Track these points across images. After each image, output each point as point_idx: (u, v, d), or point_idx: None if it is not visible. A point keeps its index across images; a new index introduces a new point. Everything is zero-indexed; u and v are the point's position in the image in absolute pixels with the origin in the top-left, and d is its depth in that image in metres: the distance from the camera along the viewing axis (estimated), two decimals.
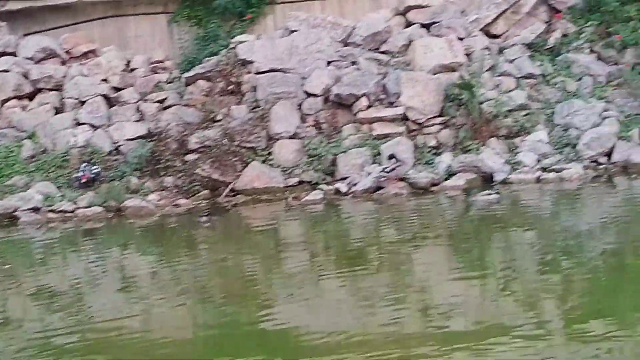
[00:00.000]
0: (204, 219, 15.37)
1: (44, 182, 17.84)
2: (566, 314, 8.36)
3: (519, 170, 16.80)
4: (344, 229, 14.51)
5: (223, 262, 12.51)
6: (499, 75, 18.85)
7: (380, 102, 18.36)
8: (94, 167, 17.97)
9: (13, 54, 21.11)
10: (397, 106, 18.07)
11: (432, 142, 17.78)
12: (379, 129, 17.88)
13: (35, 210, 16.84)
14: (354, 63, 19.29)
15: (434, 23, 20.05)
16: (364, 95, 18.10)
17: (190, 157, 17.94)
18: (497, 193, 15.25)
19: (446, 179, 16.82)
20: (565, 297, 8.95)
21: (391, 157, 16.72)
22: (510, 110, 17.90)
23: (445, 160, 17.19)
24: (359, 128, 18.02)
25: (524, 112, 17.96)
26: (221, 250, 13.35)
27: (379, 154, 17.33)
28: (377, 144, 17.49)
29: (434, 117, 18.02)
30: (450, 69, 18.69)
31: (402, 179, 16.71)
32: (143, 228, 15.80)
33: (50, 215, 16.81)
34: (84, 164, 18.06)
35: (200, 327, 9.59)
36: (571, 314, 8.39)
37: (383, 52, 19.80)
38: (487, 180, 16.74)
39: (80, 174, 17.84)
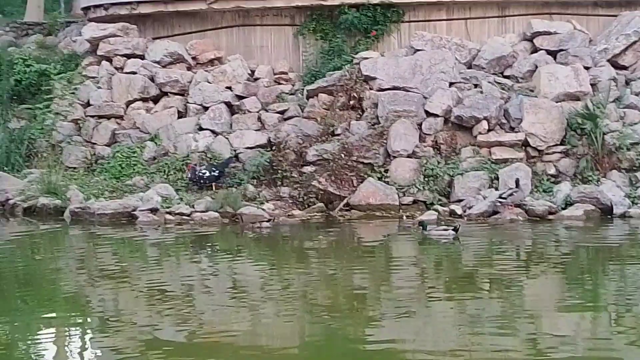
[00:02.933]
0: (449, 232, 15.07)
1: (163, 184, 18.16)
2: None
3: (639, 205, 16.51)
4: (457, 252, 14.42)
5: (333, 276, 12.55)
6: (624, 107, 18.54)
7: (501, 127, 18.22)
8: (214, 170, 18.21)
9: (141, 57, 21.55)
10: (518, 132, 17.90)
11: (552, 171, 17.58)
12: (498, 153, 17.74)
13: (154, 211, 17.11)
14: (476, 86, 19.19)
15: (560, 50, 19.83)
16: (485, 118, 17.97)
17: (308, 169, 18.05)
18: (455, 230, 14.86)
19: (564, 209, 16.60)
20: None
21: (517, 182, 16.51)
22: (633, 144, 17.59)
23: (564, 189, 16.97)
24: (477, 151, 17.90)
25: None
26: (332, 263, 13.38)
27: (496, 178, 17.19)
28: (496, 168, 17.35)
29: (555, 145, 17.81)
30: (575, 97, 18.46)
31: (518, 206, 16.54)
32: (256, 236, 15.93)
33: (168, 217, 17.07)
34: (204, 167, 18.34)
35: (307, 339, 9.64)
36: None
37: (507, 77, 19.67)
38: (605, 212, 16.48)
39: (206, 173, 18.11)
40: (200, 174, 18.16)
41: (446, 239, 14.72)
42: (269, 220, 16.82)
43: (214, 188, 18.05)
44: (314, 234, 15.83)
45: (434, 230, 15.12)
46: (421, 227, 15.17)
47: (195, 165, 18.53)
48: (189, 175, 18.36)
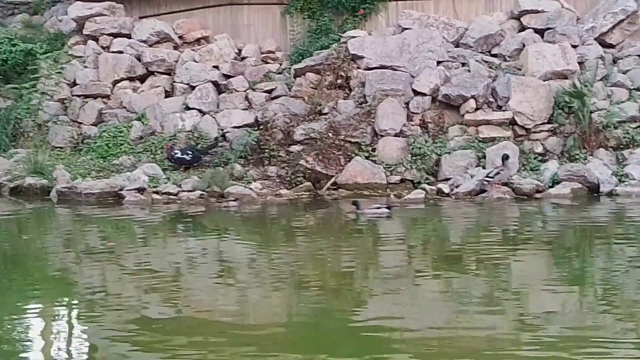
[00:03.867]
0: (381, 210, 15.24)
1: (150, 163, 18.13)
2: None
3: (626, 183, 16.53)
4: (444, 230, 14.44)
5: (320, 255, 12.54)
6: (612, 86, 18.57)
7: (489, 105, 18.23)
8: (188, 152, 18.17)
9: (128, 36, 21.50)
10: (505, 110, 17.91)
11: (539, 149, 17.60)
12: (486, 132, 17.76)
13: (141, 190, 17.09)
14: (464, 64, 19.19)
15: (548, 29, 19.84)
16: (472, 97, 17.98)
17: (295, 148, 18.04)
18: (388, 208, 15.03)
19: (551, 187, 16.62)
20: None
21: (505, 157, 16.54)
22: (620, 122, 17.63)
23: (551, 167, 16.99)
24: (465, 130, 17.92)
25: (635, 125, 17.66)
26: (319, 242, 13.38)
27: (484, 157, 17.21)
28: (483, 147, 17.38)
29: (543, 123, 17.84)
30: (562, 76, 18.46)
31: (505, 184, 16.56)
32: (244, 215, 15.92)
33: (155, 196, 17.05)
34: (180, 148, 18.33)
35: (294, 316, 9.64)
36: None
37: (494, 55, 19.68)
38: (592, 190, 16.53)
39: (179, 154, 18.09)
40: (172, 154, 18.15)
41: (379, 216, 14.82)
42: (235, 200, 16.77)
43: (186, 170, 18.00)
44: (301, 213, 15.81)
45: (367, 209, 15.18)
46: (355, 207, 15.24)
47: (173, 145, 18.51)
48: (166, 155, 18.37)
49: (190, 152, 18.23)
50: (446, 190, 16.78)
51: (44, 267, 12.23)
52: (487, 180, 16.49)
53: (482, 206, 15.84)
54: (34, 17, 25.92)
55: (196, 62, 20.79)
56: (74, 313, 10.02)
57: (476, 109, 18.06)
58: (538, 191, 16.55)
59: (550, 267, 11.58)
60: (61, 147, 19.72)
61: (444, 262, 11.74)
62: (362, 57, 19.26)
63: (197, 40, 21.91)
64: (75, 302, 10.47)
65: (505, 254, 12.12)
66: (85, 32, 21.79)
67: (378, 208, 15.17)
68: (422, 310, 9.30)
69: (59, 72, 20.89)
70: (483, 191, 16.57)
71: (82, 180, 17.60)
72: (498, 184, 16.48)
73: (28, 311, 10.05)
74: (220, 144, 18.65)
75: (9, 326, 9.43)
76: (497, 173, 16.49)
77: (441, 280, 10.80)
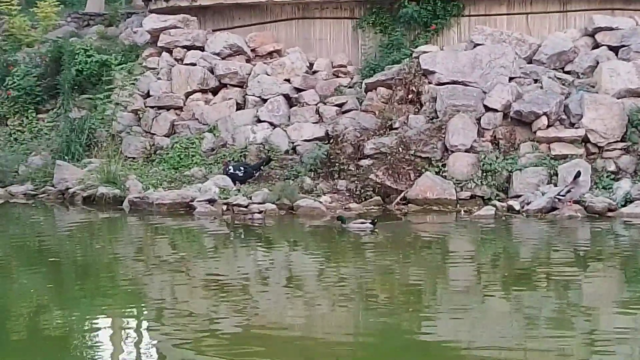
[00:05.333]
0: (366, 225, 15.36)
1: (221, 175, 18.23)
2: None
3: None
4: (514, 247, 14.35)
5: (388, 270, 12.53)
6: None
7: (561, 123, 18.06)
8: (240, 169, 18.25)
9: (201, 49, 21.68)
10: (578, 127, 17.73)
11: (612, 167, 17.38)
12: (558, 149, 17.59)
13: (211, 202, 17.19)
14: (536, 81, 19.04)
15: (622, 46, 19.59)
16: (544, 114, 17.82)
17: (365, 162, 18.03)
18: (372, 223, 15.04)
19: (623, 206, 16.42)
20: None
21: (578, 174, 16.37)
22: None
23: (624, 186, 16.78)
24: (536, 147, 17.76)
25: None
26: (388, 257, 13.36)
27: (555, 174, 17.04)
28: (555, 164, 17.20)
29: (616, 141, 17.61)
30: (636, 94, 18.22)
31: (577, 202, 16.39)
32: (313, 228, 15.95)
33: (225, 208, 17.14)
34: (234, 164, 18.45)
35: (361, 331, 9.64)
36: None
37: (567, 72, 19.49)
38: None
39: (231, 170, 18.19)
40: (227, 170, 18.28)
41: (364, 231, 14.94)
42: (260, 212, 16.84)
43: (240, 184, 18.08)
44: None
45: (352, 223, 15.31)
46: (340, 221, 15.40)
47: (229, 161, 18.64)
48: (223, 170, 18.51)
49: (242, 169, 18.32)
50: (517, 207, 16.64)
51: (115, 276, 12.38)
52: (558, 198, 16.34)
53: (553, 224, 15.70)
54: (109, 28, 26.26)
55: (268, 75, 20.90)
56: (144, 321, 10.14)
57: (548, 126, 17.90)
58: (610, 210, 16.35)
59: (622, 287, 11.45)
60: (134, 158, 19.92)
61: (514, 280, 11.67)
62: (433, 72, 19.21)
63: (269, 54, 22.03)
64: (145, 310, 10.59)
65: (576, 272, 12.02)
66: (159, 44, 22.01)
67: (362, 223, 15.28)
68: (490, 329, 9.25)
69: (133, 84, 21.12)
70: (554, 209, 16.41)
71: (154, 191, 17.76)
72: (570, 202, 16.31)
73: (99, 318, 10.19)
74: (264, 166, 18.62)
75: (80, 333, 9.56)
76: (569, 191, 16.33)
77: (510, 298, 10.74)
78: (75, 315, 10.26)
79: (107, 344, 9.11)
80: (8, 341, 9.30)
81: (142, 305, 10.83)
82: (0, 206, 18.35)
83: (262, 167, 18.56)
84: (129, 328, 9.86)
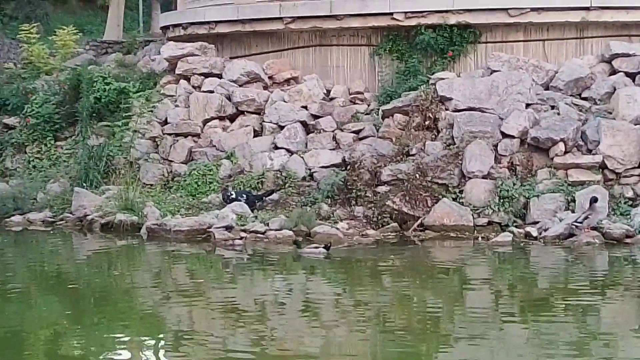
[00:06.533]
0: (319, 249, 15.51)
1: (238, 202, 18.26)
2: None
3: None
4: (532, 273, 14.32)
5: (406, 296, 12.53)
6: None
7: (578, 149, 18.03)
8: (243, 196, 18.29)
9: (219, 76, 21.76)
10: (595, 154, 17.70)
11: (629, 194, 17.33)
12: (575, 175, 17.55)
13: (229, 228, 17.20)
14: (553, 107, 19.03)
15: (639, 73, 19.60)
16: (562, 140, 17.80)
17: (382, 188, 18.03)
18: (326, 248, 15.29)
19: None
20: None
21: (594, 200, 16.32)
22: None
23: None
24: (554, 173, 17.73)
25: None
26: (405, 283, 13.36)
27: (573, 200, 17.01)
28: (572, 190, 17.16)
29: (633, 167, 17.56)
30: None
31: (595, 228, 16.35)
32: (330, 256, 15.96)
33: (243, 234, 17.15)
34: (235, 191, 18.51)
35: (378, 357, 9.63)
36: None
37: (584, 99, 19.47)
38: None
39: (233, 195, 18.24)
40: (228, 195, 18.29)
41: (316, 256, 15.22)
42: (241, 239, 16.88)
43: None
44: (387, 254, 15.80)
45: (306, 248, 15.61)
46: (295, 245, 15.78)
47: (227, 187, 18.69)
48: (221, 195, 18.53)
49: (244, 195, 18.35)
50: (534, 233, 16.60)
51: (133, 303, 12.42)
52: (575, 225, 16.29)
53: (570, 250, 15.66)
54: (127, 56, 26.40)
55: (285, 102, 20.95)
56: (161, 348, 10.17)
57: (565, 152, 17.87)
58: (628, 236, 16.30)
59: None
60: (151, 185, 19.96)
61: (531, 307, 11.64)
62: (450, 99, 19.23)
63: (287, 81, 22.10)
64: (162, 337, 10.61)
65: (594, 299, 11.98)
66: (177, 71, 22.12)
67: (316, 248, 15.54)
68: (508, 356, 9.23)
69: (151, 111, 21.18)
70: (572, 235, 16.37)
71: (172, 218, 17.79)
72: (587, 228, 16.27)
73: (117, 346, 10.22)
74: (268, 197, 18.66)
75: (97, 359, 9.59)
76: (586, 218, 16.29)
77: (528, 325, 10.71)
78: (93, 341, 10.30)
79: None
80: None
81: (160, 332, 10.85)
82: (19, 233, 18.42)
83: (264, 198, 18.55)
84: (146, 354, 9.88)
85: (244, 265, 15.29)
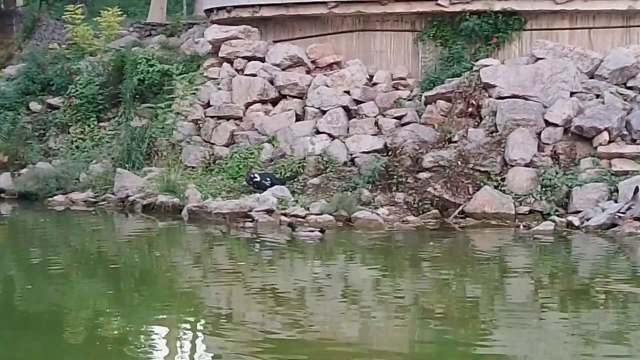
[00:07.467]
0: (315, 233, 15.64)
1: (279, 185, 18.28)
2: None
3: None
4: (573, 263, 14.23)
5: (445, 283, 12.49)
6: None
7: (622, 138, 17.89)
8: (267, 179, 18.30)
9: (262, 60, 21.77)
10: (639, 144, 17.55)
11: None
12: (619, 165, 17.41)
13: (269, 212, 17.23)
14: (598, 96, 18.88)
15: None
16: (606, 129, 17.67)
17: (423, 175, 17.98)
18: (321, 231, 15.50)
19: None
20: None
21: (637, 190, 16.18)
22: None
23: None
24: (597, 162, 17.60)
25: None
26: (445, 270, 13.32)
27: (616, 190, 16.87)
28: (615, 180, 17.03)
29: None
30: None
31: (637, 219, 16.20)
32: (371, 240, 15.94)
33: (283, 218, 17.18)
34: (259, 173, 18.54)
35: (417, 343, 9.62)
36: None
37: (630, 88, 19.28)
38: None
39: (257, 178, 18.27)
40: (252, 177, 18.30)
41: (312, 239, 15.38)
42: (252, 221, 16.91)
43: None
44: (427, 240, 15.76)
45: (301, 231, 15.84)
46: (290, 228, 16.08)
47: (252, 168, 18.72)
48: (246, 177, 18.56)
49: (269, 179, 18.36)
50: (576, 223, 16.49)
51: (173, 284, 12.48)
52: (618, 215, 16.16)
53: (612, 240, 15.55)
54: (170, 38, 26.47)
55: (328, 86, 20.92)
56: (200, 328, 10.22)
57: (609, 142, 17.74)
58: None
59: None
60: (193, 167, 20.03)
61: (572, 296, 11.57)
62: (494, 86, 19.12)
63: (330, 65, 22.06)
64: (201, 318, 10.66)
65: (635, 289, 11.89)
66: (220, 54, 22.15)
67: (311, 231, 15.72)
68: (547, 346, 9.18)
69: (194, 93, 21.24)
70: (614, 225, 16.24)
71: (213, 200, 17.86)
72: (630, 219, 16.14)
73: (156, 326, 10.27)
74: (288, 183, 18.67)
75: (137, 338, 9.65)
76: (629, 208, 16.15)
77: (568, 314, 10.65)
78: (133, 321, 10.37)
79: (163, 349, 9.20)
80: (66, 345, 9.42)
81: (199, 312, 10.90)
82: (61, 213, 18.58)
83: (285, 183, 18.53)
84: (185, 334, 9.94)
85: (282, 249, 15.29)
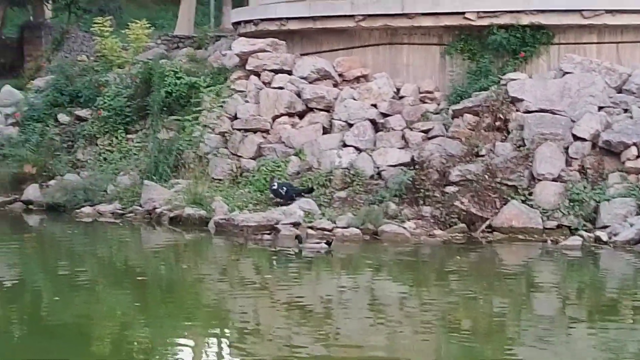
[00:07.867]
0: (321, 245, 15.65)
1: (306, 198, 18.29)
2: None
3: None
4: (601, 278, 14.16)
5: (472, 297, 12.46)
6: None
7: None
8: (283, 188, 18.33)
9: (289, 72, 21.81)
10: None
11: None
12: None
13: (296, 225, 17.24)
14: (626, 111, 18.80)
15: None
16: (634, 144, 17.58)
17: (450, 188, 17.94)
18: (327, 244, 15.38)
19: None
20: None
21: None
22: None
23: None
24: (625, 177, 17.51)
25: None
26: (471, 285, 13.29)
27: None
28: None
29: None
30: None
31: None
32: (397, 254, 15.92)
33: (310, 231, 17.18)
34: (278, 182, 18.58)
35: (443, 358, 9.60)
36: None
37: None
38: None
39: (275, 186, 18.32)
40: (272, 185, 18.37)
41: (318, 251, 15.40)
42: (269, 233, 16.95)
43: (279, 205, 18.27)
44: (454, 254, 15.73)
45: (307, 243, 15.82)
46: (297, 240, 16.01)
47: (274, 177, 18.78)
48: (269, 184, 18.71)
49: (284, 188, 18.41)
50: (604, 238, 16.41)
51: (199, 296, 12.51)
52: None
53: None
54: (198, 51, 26.55)
55: (355, 99, 20.92)
56: (225, 341, 10.23)
57: (638, 157, 17.63)
58: None
59: None
60: (220, 179, 20.06)
61: (599, 312, 11.52)
62: (521, 100, 19.07)
63: (357, 79, 22.06)
64: (227, 330, 10.68)
65: None
66: (247, 67, 22.19)
67: (317, 243, 15.70)
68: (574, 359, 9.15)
69: (221, 106, 21.28)
70: None
71: (240, 213, 17.88)
72: None
73: (181, 340, 10.30)
74: (307, 194, 18.67)
75: (164, 351, 9.68)
76: None
77: (595, 330, 10.59)
78: (159, 332, 10.39)
79: None
80: (93, 356, 9.46)
81: (225, 325, 10.92)
82: (88, 224, 18.64)
83: (303, 194, 18.53)
84: (210, 347, 9.96)
85: (311, 262, 15.29)
